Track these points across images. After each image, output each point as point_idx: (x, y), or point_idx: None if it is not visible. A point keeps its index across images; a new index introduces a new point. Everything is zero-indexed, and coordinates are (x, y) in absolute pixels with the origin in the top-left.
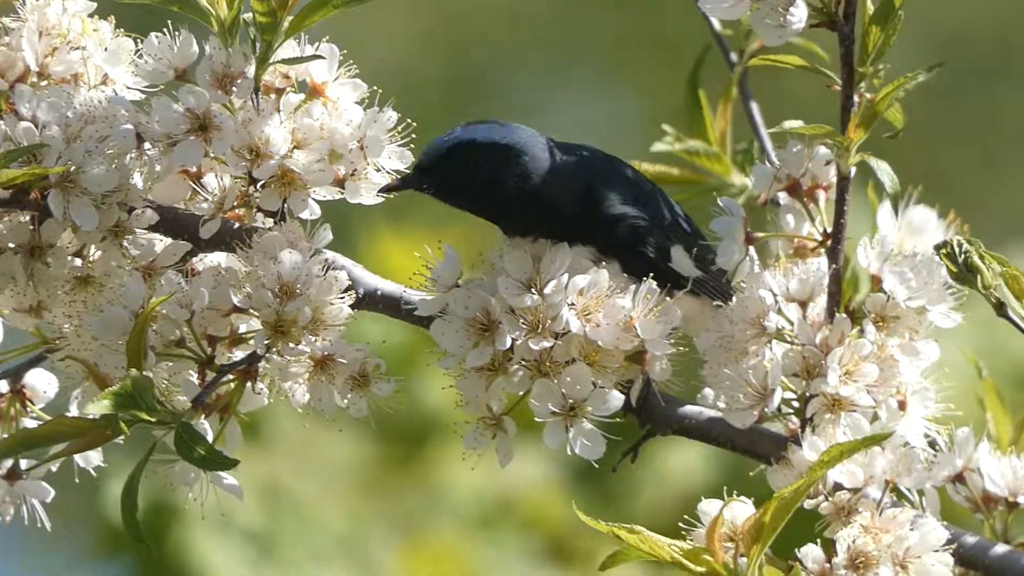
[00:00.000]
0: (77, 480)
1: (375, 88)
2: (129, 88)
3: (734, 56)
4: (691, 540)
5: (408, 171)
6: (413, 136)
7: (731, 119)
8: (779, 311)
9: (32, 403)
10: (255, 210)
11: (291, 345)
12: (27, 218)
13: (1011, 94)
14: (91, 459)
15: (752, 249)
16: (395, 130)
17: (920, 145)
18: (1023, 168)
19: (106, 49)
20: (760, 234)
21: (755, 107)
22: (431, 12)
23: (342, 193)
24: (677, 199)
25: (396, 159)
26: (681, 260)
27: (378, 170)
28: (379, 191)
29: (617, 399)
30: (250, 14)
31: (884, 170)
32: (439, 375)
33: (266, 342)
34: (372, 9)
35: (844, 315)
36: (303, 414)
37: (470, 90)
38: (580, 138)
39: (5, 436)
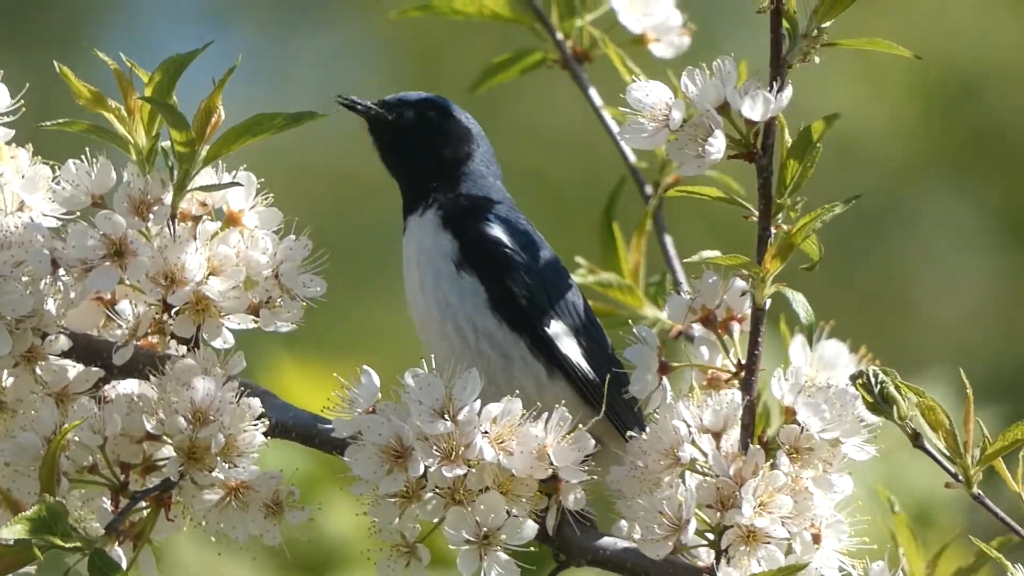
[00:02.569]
0: None
1: (291, 217)
2: (46, 215)
3: (648, 189)
4: None
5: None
6: (327, 266)
7: (644, 252)
8: (693, 442)
9: None
10: (169, 337)
11: (204, 472)
12: None
13: (902, 240)
14: None
15: (666, 380)
16: (310, 259)
17: (828, 282)
18: (906, 314)
19: (23, 176)
20: (674, 364)
21: (669, 240)
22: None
23: (256, 321)
24: None
25: (311, 287)
26: (564, 338)
27: (293, 299)
28: (354, 108)
29: (531, 528)
30: (168, 142)
31: (799, 301)
32: (342, 507)
33: (179, 468)
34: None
35: (758, 447)
36: (215, 542)
37: (377, 239)
38: None
39: None
